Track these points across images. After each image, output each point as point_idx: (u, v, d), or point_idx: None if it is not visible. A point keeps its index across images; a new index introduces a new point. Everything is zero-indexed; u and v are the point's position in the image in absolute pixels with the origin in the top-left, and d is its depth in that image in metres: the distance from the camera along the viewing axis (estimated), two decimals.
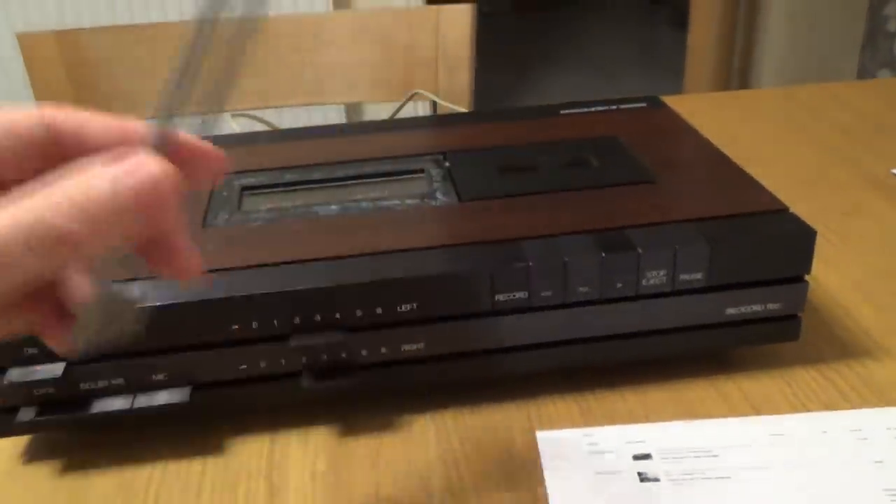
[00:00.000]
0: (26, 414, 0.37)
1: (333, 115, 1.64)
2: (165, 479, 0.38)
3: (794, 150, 0.67)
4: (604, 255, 0.38)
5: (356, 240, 0.40)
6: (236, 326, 0.37)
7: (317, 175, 0.49)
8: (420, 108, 1.61)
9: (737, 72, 2.09)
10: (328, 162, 0.50)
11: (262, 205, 0.46)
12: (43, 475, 0.38)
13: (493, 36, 3.12)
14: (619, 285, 0.39)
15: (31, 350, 0.36)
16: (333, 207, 0.45)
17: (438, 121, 0.56)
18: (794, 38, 2.09)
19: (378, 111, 1.76)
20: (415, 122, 0.56)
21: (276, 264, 0.39)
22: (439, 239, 0.40)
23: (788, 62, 2.11)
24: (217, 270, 0.39)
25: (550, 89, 2.67)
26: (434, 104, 0.81)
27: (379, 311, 0.38)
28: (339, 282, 0.37)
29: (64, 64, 0.83)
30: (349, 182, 0.48)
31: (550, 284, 0.38)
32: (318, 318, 0.38)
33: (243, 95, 0.88)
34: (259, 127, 0.77)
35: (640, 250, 0.38)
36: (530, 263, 0.38)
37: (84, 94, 0.85)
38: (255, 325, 0.37)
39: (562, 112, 0.56)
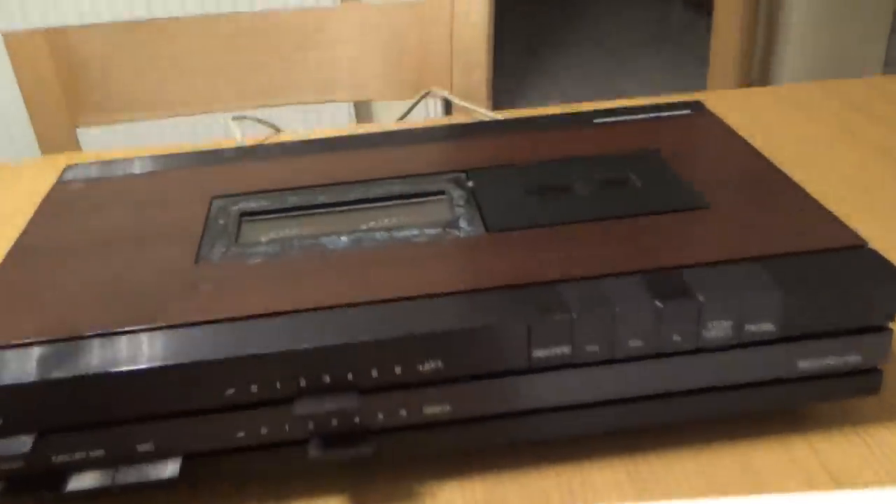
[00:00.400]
0: None
1: (341, 115, 1.59)
2: None
3: (846, 153, 0.61)
4: (660, 304, 0.33)
5: (370, 282, 0.35)
6: (232, 390, 0.32)
7: (323, 198, 0.43)
8: (432, 107, 1.55)
9: (759, 61, 2.02)
10: (335, 182, 0.45)
11: (262, 234, 0.41)
12: None
13: (500, 16, 3.04)
14: (677, 338, 0.33)
15: None
16: (343, 239, 0.39)
17: (457, 130, 0.51)
18: (818, 26, 2.01)
19: (388, 110, 1.71)
20: (431, 133, 0.51)
21: (277, 314, 0.34)
22: (466, 281, 0.35)
23: (812, 51, 2.03)
24: (210, 323, 0.33)
25: (562, 72, 2.61)
26: (448, 103, 0.76)
27: (398, 370, 0.33)
28: (351, 338, 0.32)
29: (54, 63, 0.78)
30: (360, 206, 0.43)
31: (597, 338, 0.33)
32: (326, 379, 0.32)
33: (245, 94, 0.82)
34: (262, 130, 0.72)
35: (701, 298, 0.33)
36: (574, 315, 0.32)
37: (75, 94, 0.80)
38: (253, 388, 0.32)
39: (595, 121, 0.50)
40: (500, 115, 0.65)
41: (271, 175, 0.46)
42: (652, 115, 0.50)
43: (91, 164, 0.49)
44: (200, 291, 0.36)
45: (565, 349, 0.33)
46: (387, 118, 1.67)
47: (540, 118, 0.51)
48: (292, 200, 0.43)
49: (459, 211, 0.41)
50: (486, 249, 0.37)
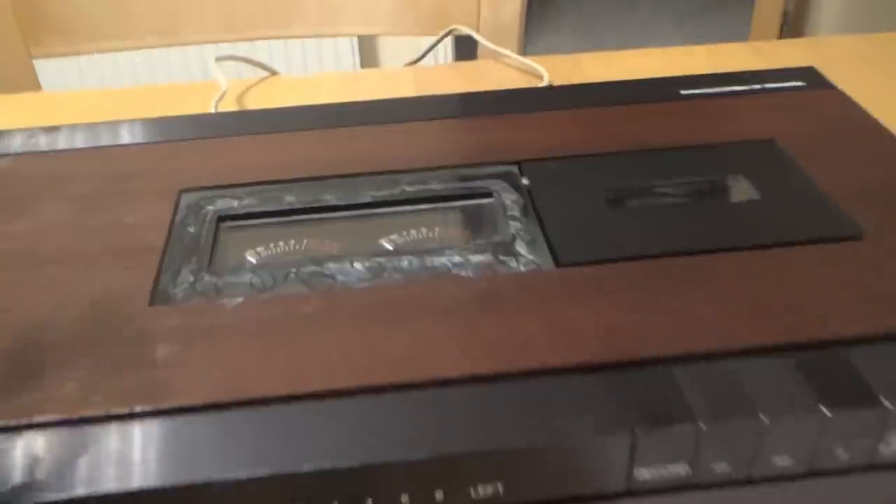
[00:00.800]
0: None
1: (344, 51, 1.43)
2: None
3: None
4: (828, 412, 0.22)
5: (394, 351, 0.25)
6: None
7: (330, 197, 0.32)
8: (442, 52, 1.40)
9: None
10: (346, 173, 0.34)
11: (247, 248, 0.30)
12: None
13: None
14: (843, 454, 0.23)
15: None
16: (358, 268, 0.28)
17: (502, 101, 0.39)
18: None
19: (398, 53, 1.54)
20: (468, 103, 0.39)
21: (267, 402, 0.23)
22: (534, 354, 0.24)
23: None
24: (168, 412, 0.23)
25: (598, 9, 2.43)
26: (473, 43, 0.63)
27: (439, 496, 0.22)
28: (373, 458, 0.21)
29: None
30: (379, 211, 0.32)
31: (728, 454, 0.23)
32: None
33: (230, 23, 0.69)
34: (250, 72, 0.60)
35: (886, 402, 0.22)
36: (701, 426, 0.22)
37: (29, 16, 0.67)
38: None
39: (682, 92, 0.39)
40: (541, 67, 0.53)
41: (261, 156, 0.35)
42: (755, 86, 0.39)
43: (20, 132, 0.38)
44: (156, 360, 0.25)
45: (681, 469, 0.23)
46: (396, 61, 1.52)
47: (606, 87, 0.40)
48: (288, 199, 0.32)
49: (515, 226, 0.30)
50: (559, 296, 0.26)
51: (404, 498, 0.22)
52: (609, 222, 0.30)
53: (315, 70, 1.44)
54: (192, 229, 0.31)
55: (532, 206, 0.31)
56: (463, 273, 0.28)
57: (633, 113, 0.37)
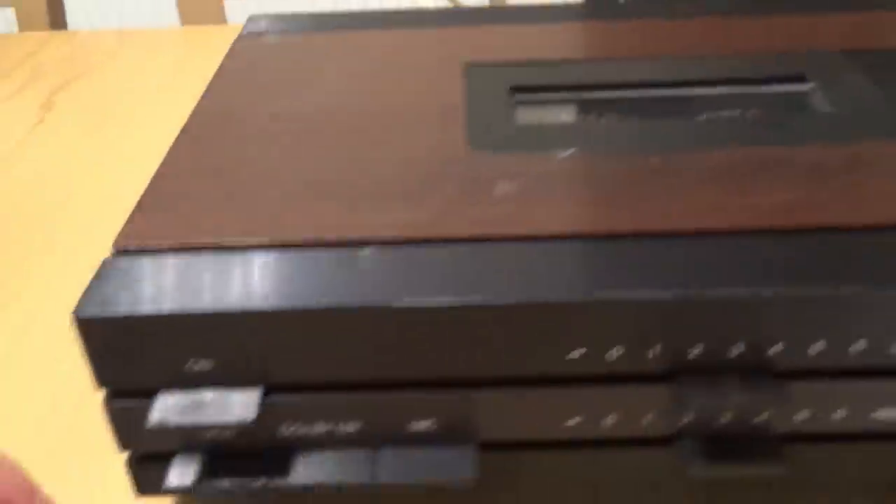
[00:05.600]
0: (182, 472, 0.21)
1: None
2: None
3: None
4: None
5: (759, 197, 0.22)
6: (578, 352, 0.20)
7: (632, 75, 0.30)
8: None
9: None
10: (638, 57, 0.31)
11: (549, 118, 0.28)
12: None
13: None
14: None
15: (201, 363, 0.20)
16: (677, 127, 0.26)
17: None
18: None
19: None
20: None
21: (640, 235, 0.21)
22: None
23: None
24: (522, 240, 0.21)
25: None
26: None
27: (860, 347, 0.19)
28: (763, 287, 0.19)
29: None
30: (679, 92, 0.30)
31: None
32: (726, 350, 0.20)
33: None
34: None
35: None
36: None
37: None
38: (613, 351, 0.20)
39: None
40: None
41: (543, 41, 0.33)
42: None
43: (286, 15, 0.37)
44: (496, 192, 0.23)
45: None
46: None
47: None
48: (575, 75, 0.30)
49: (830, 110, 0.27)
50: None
51: (808, 346, 0.19)
52: None
53: None
54: (486, 98, 0.29)
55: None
56: (799, 148, 0.25)
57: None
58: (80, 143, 0.45)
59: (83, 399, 0.28)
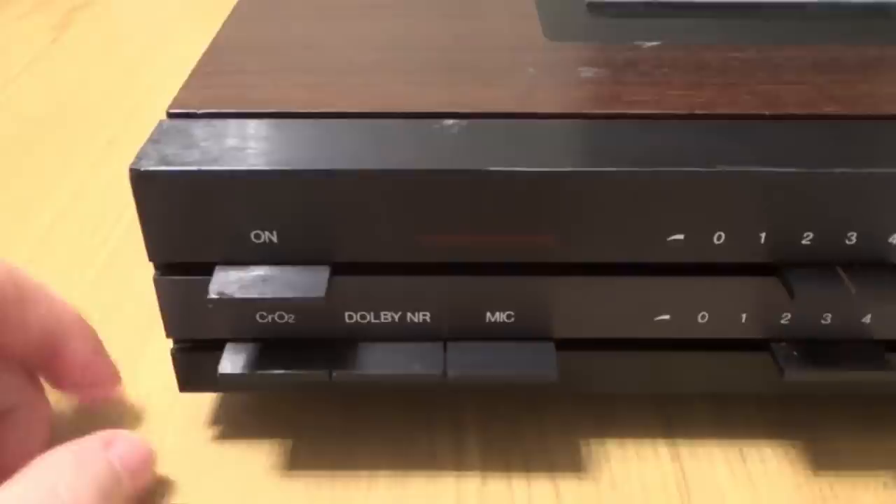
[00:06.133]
0: (234, 360, 0.19)
1: None
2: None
3: None
4: None
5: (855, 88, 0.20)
6: (679, 237, 0.18)
7: None
8: None
9: None
10: None
11: (636, 38, 0.27)
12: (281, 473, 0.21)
13: None
14: None
15: (265, 235, 0.18)
16: (761, 27, 0.24)
17: None
18: None
19: None
20: None
21: (748, 116, 0.19)
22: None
23: None
24: (617, 118, 0.19)
25: None
26: None
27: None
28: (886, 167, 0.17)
29: None
30: (769, 12, 0.28)
31: None
32: (832, 237, 0.18)
33: None
34: None
35: None
36: None
37: None
38: (718, 235, 0.18)
39: None
40: None
41: None
42: None
43: None
44: (581, 78, 0.21)
45: None
46: None
47: None
48: None
49: None
50: None
51: None
52: None
53: None
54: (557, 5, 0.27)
55: None
56: None
57: None
58: (96, 63, 0.43)
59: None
